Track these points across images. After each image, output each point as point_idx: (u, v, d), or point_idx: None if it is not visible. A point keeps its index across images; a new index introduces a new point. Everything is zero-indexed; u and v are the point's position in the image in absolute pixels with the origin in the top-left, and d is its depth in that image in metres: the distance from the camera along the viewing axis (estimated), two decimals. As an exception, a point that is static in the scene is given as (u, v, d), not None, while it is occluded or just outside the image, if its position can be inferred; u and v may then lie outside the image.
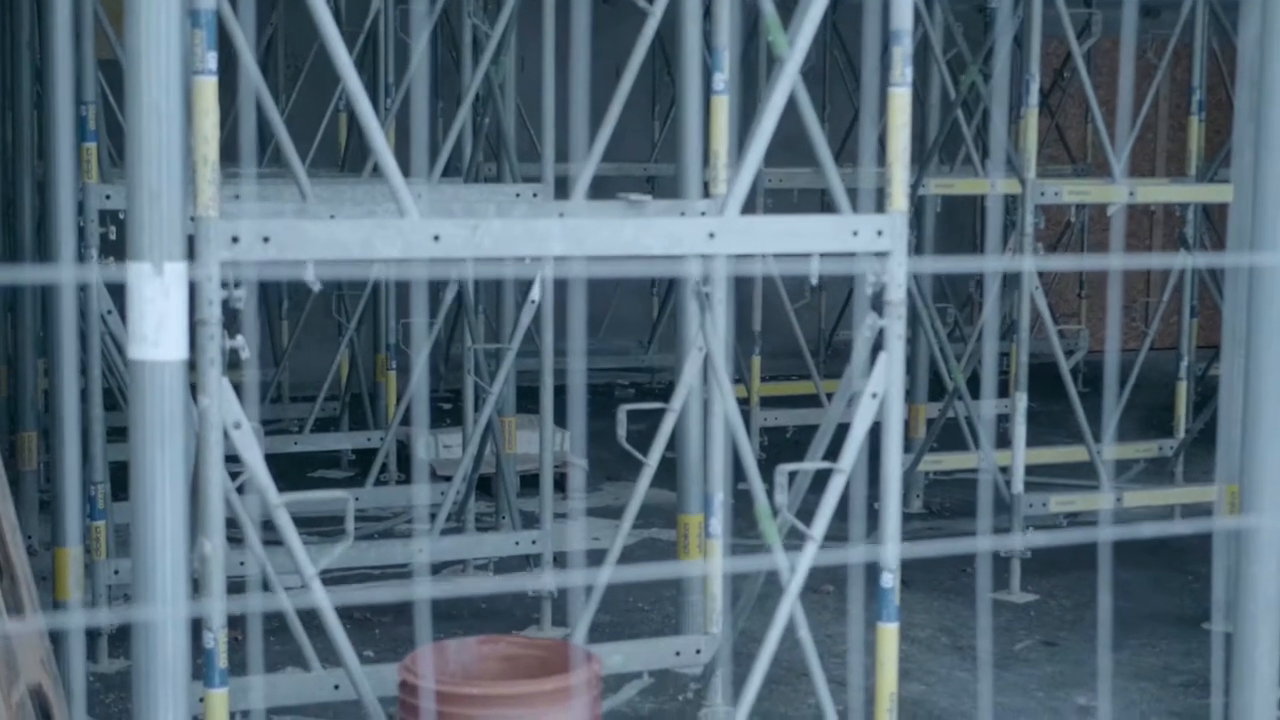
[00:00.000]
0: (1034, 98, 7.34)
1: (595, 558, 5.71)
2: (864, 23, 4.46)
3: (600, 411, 10.90)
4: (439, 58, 11.10)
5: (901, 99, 4.21)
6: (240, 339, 3.84)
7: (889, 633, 4.47)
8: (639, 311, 13.19)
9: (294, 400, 10.71)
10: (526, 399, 7.67)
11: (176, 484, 3.02)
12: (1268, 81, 3.86)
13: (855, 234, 4.26)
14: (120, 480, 4.24)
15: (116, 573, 6.38)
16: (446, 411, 11.65)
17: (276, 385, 10.65)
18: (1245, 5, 6.34)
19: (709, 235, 4.15)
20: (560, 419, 7.82)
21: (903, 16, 4.19)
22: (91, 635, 6.41)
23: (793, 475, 4.54)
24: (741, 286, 10.17)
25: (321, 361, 10.31)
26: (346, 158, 9.98)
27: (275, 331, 11.06)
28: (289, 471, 8.86)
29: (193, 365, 3.49)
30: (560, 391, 8.65)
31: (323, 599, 4.19)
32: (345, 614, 6.04)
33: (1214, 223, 10.72)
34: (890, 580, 4.43)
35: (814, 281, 4.29)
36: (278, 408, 10.51)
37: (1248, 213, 5.21)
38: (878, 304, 4.32)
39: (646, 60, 11.82)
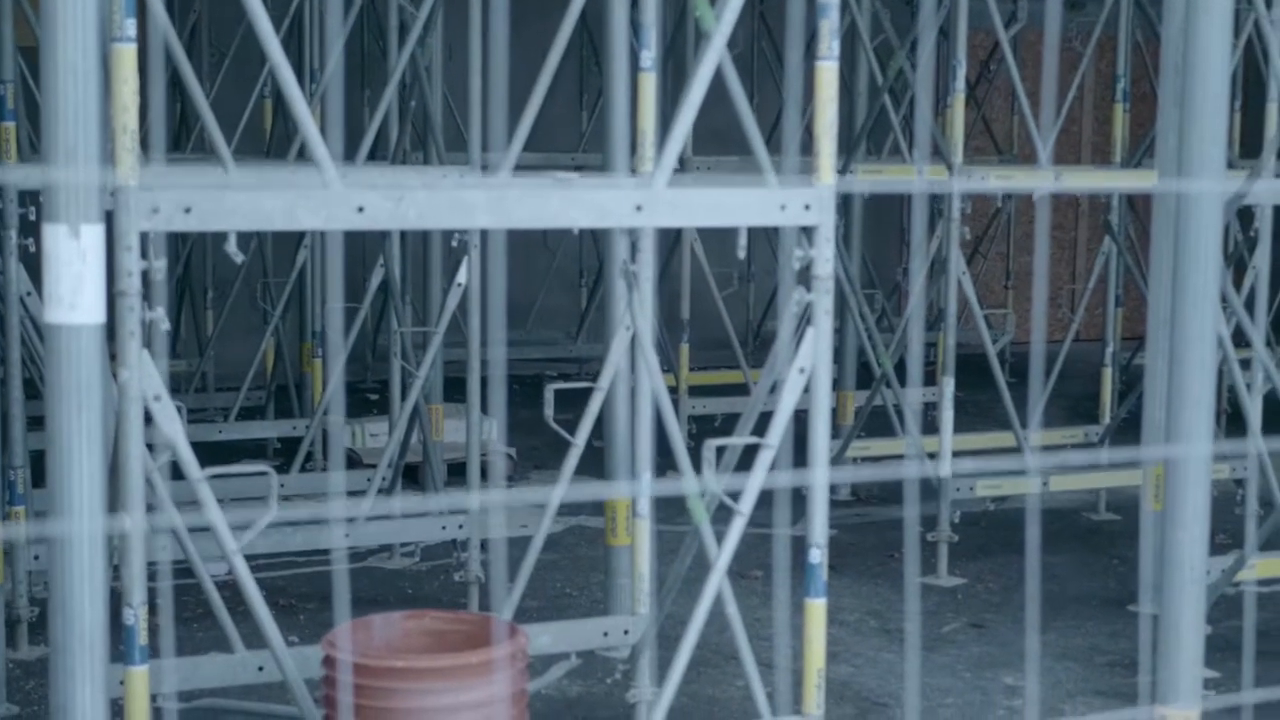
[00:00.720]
0: (960, 83, 7.36)
1: (523, 545, 5.68)
2: (789, 7, 4.46)
3: (529, 403, 10.88)
4: (365, 45, 11.02)
5: (829, 72, 4.21)
6: (160, 310, 3.79)
7: (817, 608, 4.46)
8: (567, 302, 13.15)
9: (219, 390, 10.62)
10: (455, 390, 7.63)
11: (94, 451, 2.97)
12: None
13: (783, 208, 4.25)
14: (42, 470, 4.18)
15: (36, 558, 6.29)
16: (374, 402, 11.59)
17: (201, 375, 10.56)
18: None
19: (636, 208, 4.13)
20: (488, 408, 7.81)
21: (829, -11, 4.19)
22: (11, 623, 6.32)
23: (720, 451, 4.53)
24: (669, 277, 10.17)
25: (247, 351, 10.22)
26: (272, 144, 9.89)
27: (200, 321, 10.95)
28: (213, 460, 8.73)
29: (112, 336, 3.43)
30: (488, 383, 8.62)
31: (244, 573, 4.14)
32: (270, 601, 5.99)
33: (1139, 214, 10.81)
34: (818, 556, 4.43)
35: (741, 255, 4.28)
36: (203, 397, 10.42)
37: (1173, 196, 5.23)
38: (805, 278, 4.31)
39: (574, 50, 11.90)
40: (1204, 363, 3.85)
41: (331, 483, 8.06)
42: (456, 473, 8.04)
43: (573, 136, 12.42)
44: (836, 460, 9.04)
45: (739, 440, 4.48)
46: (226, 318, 10.63)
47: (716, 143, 9.51)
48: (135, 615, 3.85)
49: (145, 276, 3.69)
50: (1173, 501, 3.99)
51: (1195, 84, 3.80)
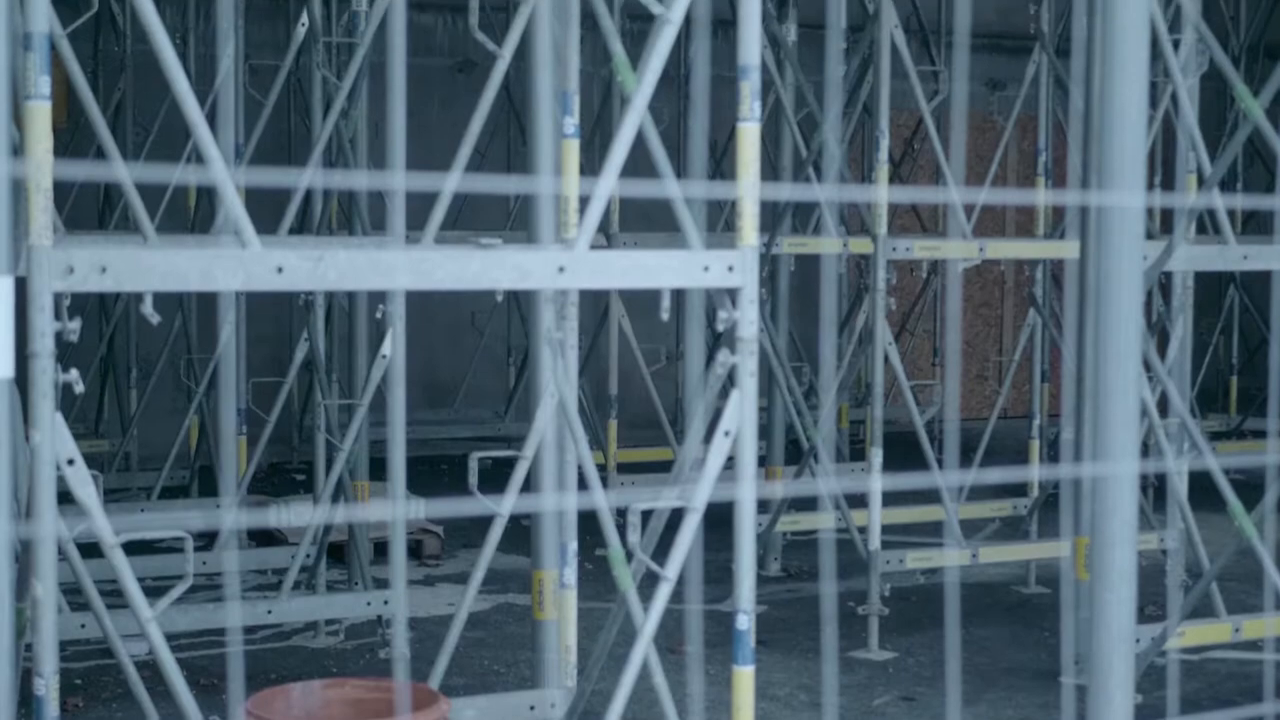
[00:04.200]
0: (883, 155, 7.41)
1: (450, 622, 5.61)
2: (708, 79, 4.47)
3: (457, 482, 10.80)
4: (291, 123, 11.01)
5: (750, 134, 4.21)
6: (74, 372, 3.73)
7: (745, 676, 4.41)
8: (495, 382, 13.12)
9: (143, 470, 10.49)
10: (383, 469, 7.57)
11: (1, 504, 2.90)
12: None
13: (706, 269, 4.24)
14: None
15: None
16: (300, 482, 11.47)
17: (124, 455, 10.43)
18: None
19: (559, 269, 4.11)
20: (415, 488, 7.72)
21: (750, 53, 4.20)
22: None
23: (646, 516, 4.49)
24: (597, 354, 10.16)
25: (171, 430, 10.11)
26: (196, 221, 9.83)
27: (123, 400, 10.83)
28: (138, 541, 8.63)
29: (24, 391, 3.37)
30: (416, 462, 8.53)
31: (161, 644, 4.05)
32: (191, 681, 5.89)
33: (1064, 289, 10.90)
34: (745, 622, 4.39)
35: (664, 316, 4.25)
36: (125, 476, 10.29)
37: (1094, 261, 5.26)
38: (729, 340, 4.29)
39: (501, 128, 11.90)
40: (1127, 426, 3.85)
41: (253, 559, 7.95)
42: (382, 552, 7.95)
43: (499, 215, 12.42)
44: (765, 535, 9.02)
45: (664, 503, 4.45)
46: (150, 396, 10.52)
47: (643, 222, 9.54)
48: (47, 686, 3.76)
49: (59, 338, 3.63)
50: (1099, 564, 3.97)
51: (1113, 88, 3.83)
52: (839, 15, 8.56)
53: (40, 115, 3.58)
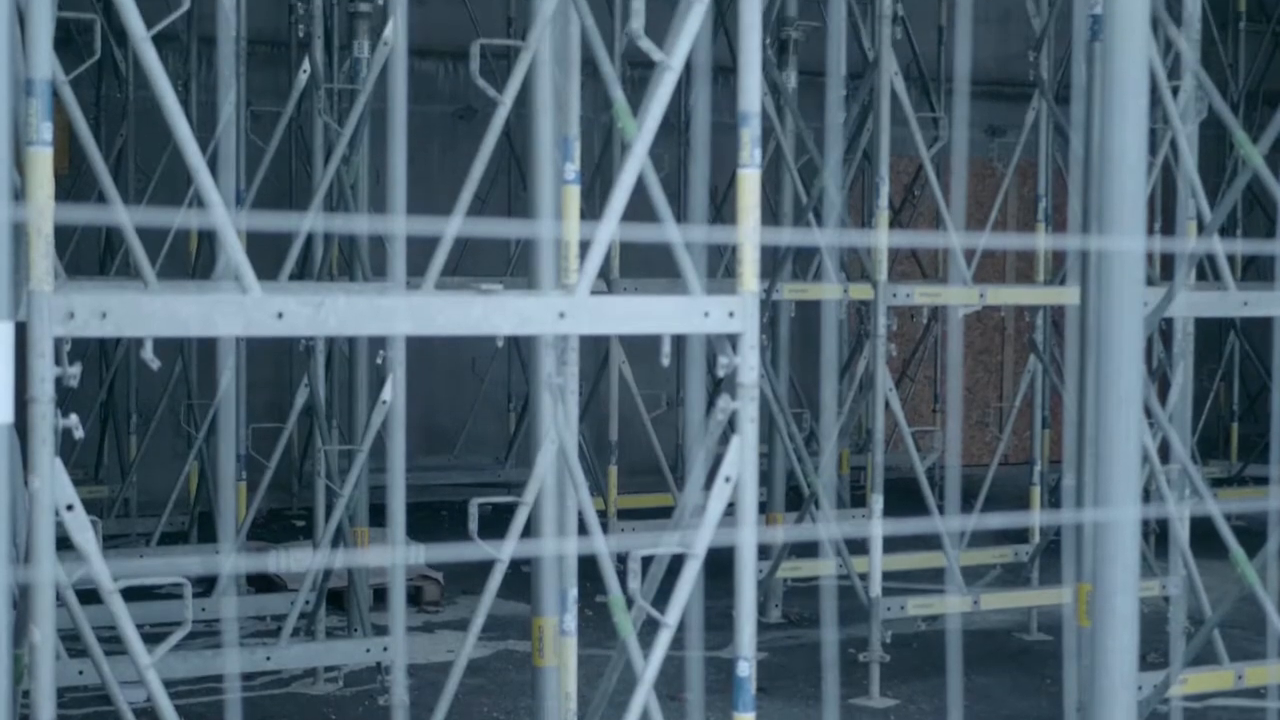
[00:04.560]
0: (884, 201, 7.42)
1: (449, 669, 5.59)
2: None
3: (458, 528, 10.78)
4: (293, 169, 11.04)
5: (750, 180, 4.22)
6: (74, 418, 3.72)
7: (746, 723, 4.39)
8: (496, 428, 13.10)
9: (142, 516, 10.47)
10: (383, 515, 7.56)
11: (1, 549, 2.89)
12: (1111, 46, 3.92)
13: (706, 315, 4.24)
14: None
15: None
16: (300, 528, 11.45)
17: (124, 501, 10.41)
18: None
19: (559, 314, 4.11)
20: (415, 534, 7.71)
21: (750, 99, 4.22)
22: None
23: (647, 562, 4.47)
24: (598, 399, 10.16)
25: (171, 476, 10.09)
26: (197, 267, 9.85)
27: (123, 446, 10.82)
28: (136, 587, 8.60)
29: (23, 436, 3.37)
30: (416, 508, 8.51)
31: (159, 691, 4.03)
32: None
33: (1063, 335, 10.90)
34: (746, 669, 4.37)
35: (665, 362, 4.25)
36: (124, 522, 10.27)
37: (1094, 306, 5.26)
38: (730, 386, 4.29)
39: (502, 175, 11.93)
40: (1129, 472, 3.84)
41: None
42: (383, 599, 7.92)
43: (500, 262, 12.44)
44: (766, 582, 9.00)
45: (665, 549, 4.43)
46: (150, 442, 10.51)
47: (643, 268, 9.55)
48: (44, 733, 3.74)
49: (59, 383, 3.62)
50: (1101, 610, 3.96)
51: (1111, 131, 3.83)
52: (839, 62, 8.59)
53: (42, 161, 3.58)
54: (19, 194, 3.66)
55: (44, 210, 3.57)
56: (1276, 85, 13.24)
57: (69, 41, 8.04)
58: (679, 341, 10.06)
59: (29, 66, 3.58)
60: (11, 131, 3.31)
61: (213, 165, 8.91)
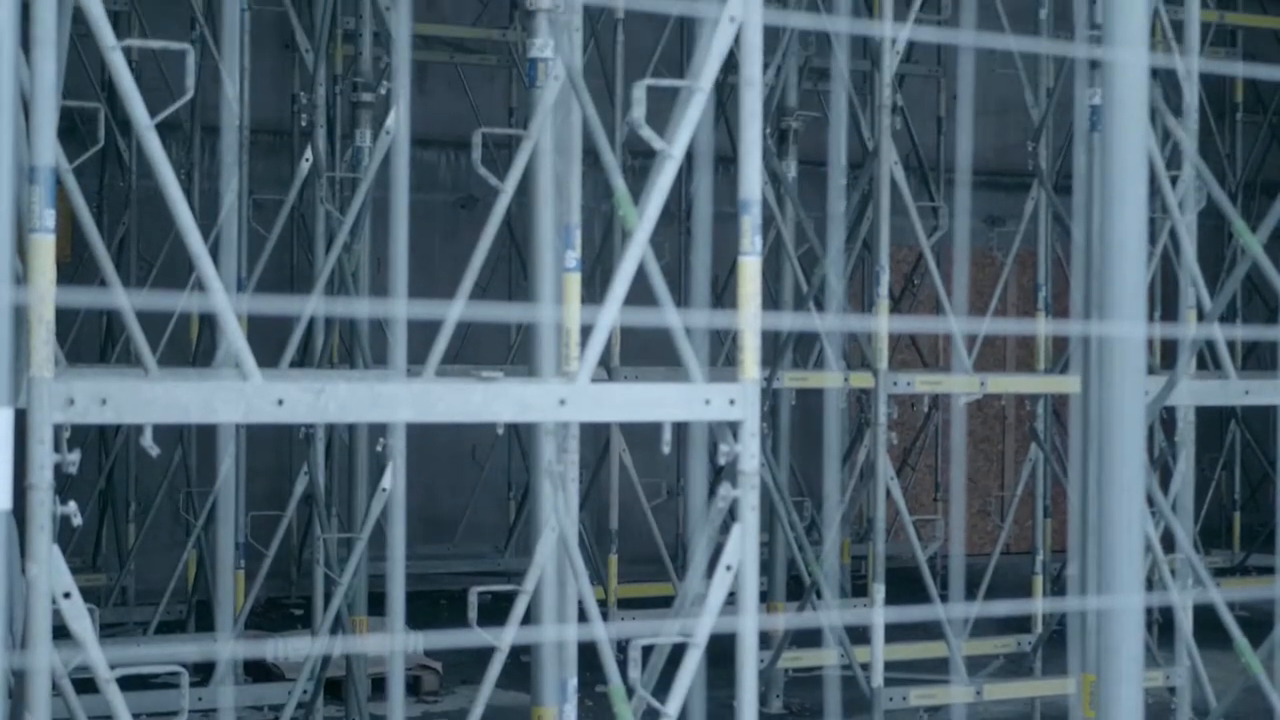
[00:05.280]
0: (884, 289, 7.44)
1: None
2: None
3: (457, 616, 10.71)
4: (294, 257, 11.07)
5: (751, 267, 4.23)
6: (72, 505, 3.71)
7: (747, 815, 4.35)
8: (496, 516, 13.06)
9: (139, 604, 10.42)
10: (382, 604, 7.52)
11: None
12: (1110, 136, 3.93)
13: (707, 402, 4.23)
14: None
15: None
16: (298, 617, 11.39)
17: (121, 589, 10.36)
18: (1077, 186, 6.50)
19: (560, 401, 4.10)
20: (414, 622, 7.65)
21: (751, 187, 4.23)
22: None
23: (647, 651, 4.45)
24: (598, 488, 10.13)
25: (169, 564, 10.05)
26: (198, 354, 9.85)
27: (121, 534, 10.78)
28: (133, 675, 8.55)
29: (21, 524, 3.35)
30: (415, 596, 8.45)
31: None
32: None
33: (1064, 425, 10.89)
34: (747, 759, 4.33)
35: (666, 449, 4.24)
36: (121, 610, 10.21)
37: (1096, 395, 5.26)
38: (731, 474, 4.28)
39: (503, 263, 11.96)
40: (1131, 560, 3.82)
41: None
42: (381, 688, 7.86)
43: (500, 350, 12.45)
44: (767, 672, 8.94)
45: (665, 639, 4.41)
46: (148, 530, 10.48)
47: (643, 356, 9.56)
48: (38, 825, 3.69)
49: (58, 470, 3.61)
50: (1105, 701, 3.93)
51: (1112, 216, 3.84)
52: (840, 152, 8.64)
53: (44, 248, 3.59)
54: (20, 280, 3.66)
55: (45, 297, 3.58)
56: (1273, 175, 13.31)
57: (73, 130, 8.10)
58: (679, 428, 10.07)
59: (33, 154, 3.59)
60: (14, 218, 3.31)
61: (214, 252, 8.96)
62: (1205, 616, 6.84)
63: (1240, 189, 12.83)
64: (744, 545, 4.27)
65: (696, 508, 10.85)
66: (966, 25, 8.41)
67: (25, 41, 3.63)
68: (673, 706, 4.37)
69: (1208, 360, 9.26)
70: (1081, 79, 6.71)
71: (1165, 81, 7.17)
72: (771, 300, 8.86)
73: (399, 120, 6.49)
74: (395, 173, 6.10)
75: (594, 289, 9.42)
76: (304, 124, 8.10)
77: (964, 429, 14.02)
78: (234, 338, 3.85)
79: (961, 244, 11.62)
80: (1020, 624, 9.78)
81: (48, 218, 3.60)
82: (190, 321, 9.96)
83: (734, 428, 4.25)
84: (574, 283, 5.05)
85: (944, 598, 9.25)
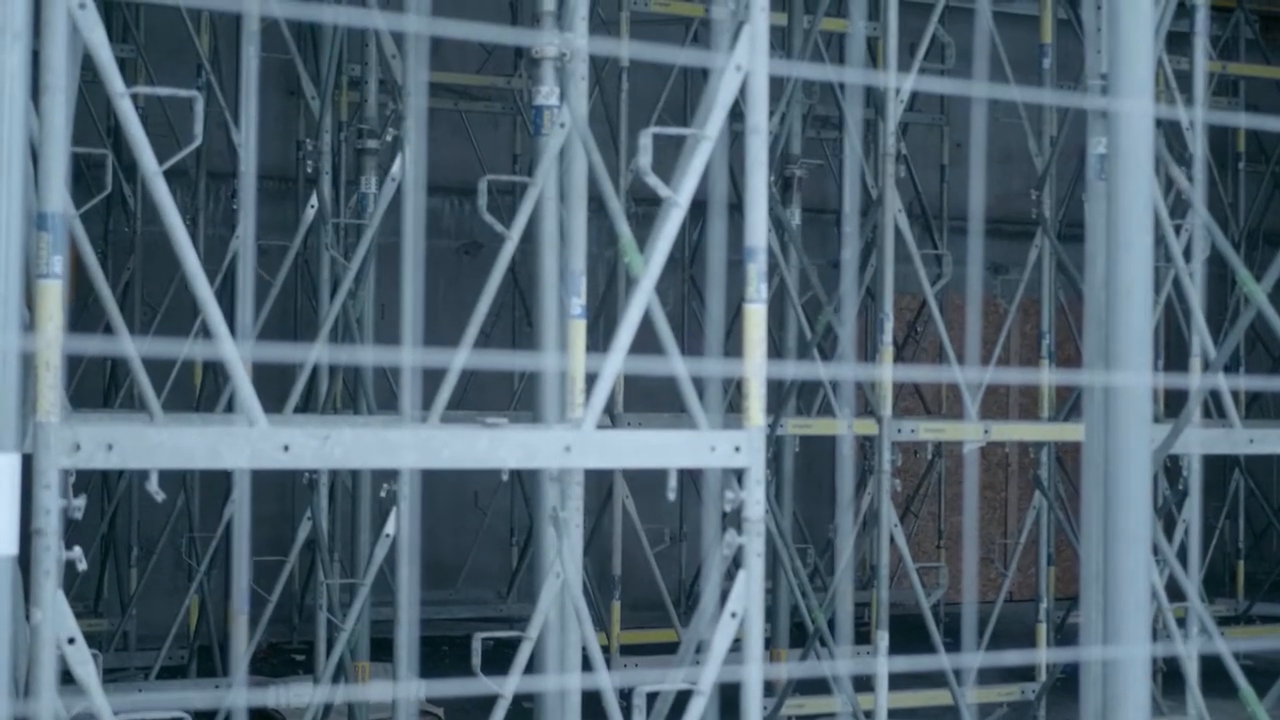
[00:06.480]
0: (888, 336, 7.45)
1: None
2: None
3: (459, 663, 10.67)
4: (298, 303, 11.08)
5: (757, 315, 4.24)
6: (77, 550, 3.71)
7: None
8: (498, 562, 13.03)
9: (141, 649, 10.38)
10: (384, 650, 7.50)
11: (0, 681, 2.86)
12: (1115, 185, 3.94)
13: (713, 449, 4.23)
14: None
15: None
16: (300, 662, 11.35)
17: (123, 634, 10.34)
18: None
19: (565, 448, 4.10)
20: (416, 668, 7.64)
21: (756, 235, 4.25)
22: None
23: (651, 698, 4.43)
24: (601, 534, 10.10)
25: (171, 610, 10.03)
26: (202, 399, 9.85)
27: (124, 579, 10.76)
28: (134, 718, 8.52)
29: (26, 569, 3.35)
30: (417, 643, 8.43)
31: (157, 829, 3.98)
32: None
33: (1068, 472, 10.88)
34: (751, 808, 4.30)
35: (671, 496, 4.24)
36: (123, 656, 10.18)
37: (1100, 447, 5.27)
38: (735, 521, 4.27)
39: (506, 309, 11.97)
40: (1138, 609, 3.82)
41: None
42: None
43: (504, 396, 12.45)
44: (771, 719, 8.90)
45: (670, 685, 4.39)
46: (150, 575, 10.46)
47: (647, 402, 9.56)
48: None
49: (63, 515, 3.61)
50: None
51: (1117, 266, 3.85)
52: (855, 199, 8.66)
53: (52, 294, 3.60)
54: (27, 325, 3.67)
55: (53, 342, 3.58)
56: (1276, 224, 13.33)
57: (79, 176, 8.12)
58: (683, 474, 10.06)
59: (42, 200, 3.61)
60: (22, 264, 3.32)
61: (221, 298, 8.98)
62: (1209, 666, 6.81)
63: (1243, 238, 12.85)
64: (749, 591, 4.26)
65: (708, 552, 10.84)
66: (979, 76, 8.42)
67: (34, 88, 3.65)
68: (677, 754, 4.36)
69: (1211, 409, 9.26)
70: (1093, 128, 6.74)
71: (1168, 131, 7.19)
72: (775, 347, 8.86)
73: (406, 167, 6.53)
74: (406, 220, 6.13)
75: (598, 335, 9.44)
76: (309, 170, 8.13)
77: (976, 477, 13.98)
78: (240, 383, 3.86)
79: (974, 292, 11.64)
80: (1024, 672, 9.74)
81: (56, 264, 3.61)
82: (194, 367, 9.97)
83: (739, 474, 4.25)
84: (579, 330, 5.05)
85: (947, 645, 9.21)
